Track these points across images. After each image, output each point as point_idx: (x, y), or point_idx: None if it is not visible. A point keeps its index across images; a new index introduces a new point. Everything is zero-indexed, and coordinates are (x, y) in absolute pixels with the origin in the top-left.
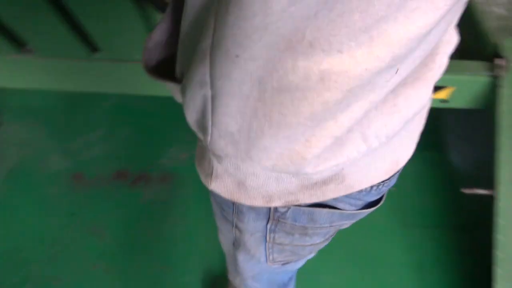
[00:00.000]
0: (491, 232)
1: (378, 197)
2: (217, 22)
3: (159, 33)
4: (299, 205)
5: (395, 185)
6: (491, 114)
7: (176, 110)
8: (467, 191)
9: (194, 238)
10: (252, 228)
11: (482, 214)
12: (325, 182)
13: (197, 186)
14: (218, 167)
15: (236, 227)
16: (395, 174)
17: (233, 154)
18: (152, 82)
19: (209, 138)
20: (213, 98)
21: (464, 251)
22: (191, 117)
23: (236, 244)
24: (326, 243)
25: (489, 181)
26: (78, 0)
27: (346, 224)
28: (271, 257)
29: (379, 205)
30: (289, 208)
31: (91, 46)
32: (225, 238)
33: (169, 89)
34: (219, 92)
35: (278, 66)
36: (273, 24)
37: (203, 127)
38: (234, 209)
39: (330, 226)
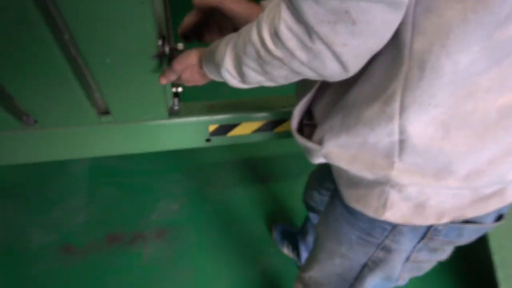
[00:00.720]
0: None
1: (508, 210)
2: (406, 89)
3: (303, 104)
4: (454, 222)
5: None
6: None
7: (154, 164)
8: None
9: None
10: (403, 248)
11: None
12: (491, 195)
13: (196, 234)
14: (394, 197)
15: (383, 248)
16: None
17: (419, 181)
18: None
19: (394, 172)
20: (402, 142)
21: None
22: (363, 164)
23: (373, 266)
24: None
25: None
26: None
27: (474, 238)
28: (402, 275)
29: (502, 219)
30: (446, 225)
31: (100, 108)
32: (347, 263)
33: (308, 150)
34: (408, 136)
35: (460, 110)
36: (459, 79)
37: (380, 167)
38: (391, 231)
39: (467, 239)
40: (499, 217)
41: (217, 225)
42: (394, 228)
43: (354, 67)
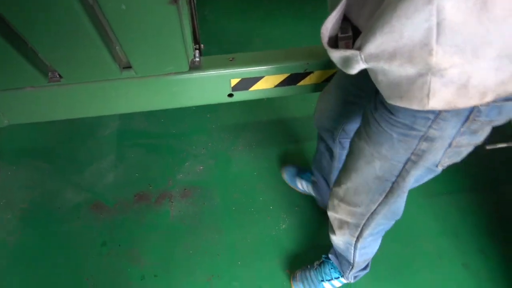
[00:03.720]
0: None
1: None
2: None
3: (330, 21)
4: (496, 101)
5: None
6: None
7: (180, 127)
8: (490, 147)
9: (233, 245)
10: (447, 135)
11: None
12: None
13: (221, 194)
14: (436, 84)
15: (427, 139)
16: None
17: (460, 61)
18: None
19: (433, 58)
20: (439, 24)
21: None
22: (402, 59)
23: (416, 159)
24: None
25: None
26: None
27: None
28: (442, 161)
29: None
30: (488, 104)
31: (121, 63)
32: (387, 164)
33: (347, 59)
34: (446, 15)
35: None
36: None
37: (420, 55)
38: (433, 120)
39: (505, 118)
40: None
41: (241, 185)
42: (437, 116)
43: None
